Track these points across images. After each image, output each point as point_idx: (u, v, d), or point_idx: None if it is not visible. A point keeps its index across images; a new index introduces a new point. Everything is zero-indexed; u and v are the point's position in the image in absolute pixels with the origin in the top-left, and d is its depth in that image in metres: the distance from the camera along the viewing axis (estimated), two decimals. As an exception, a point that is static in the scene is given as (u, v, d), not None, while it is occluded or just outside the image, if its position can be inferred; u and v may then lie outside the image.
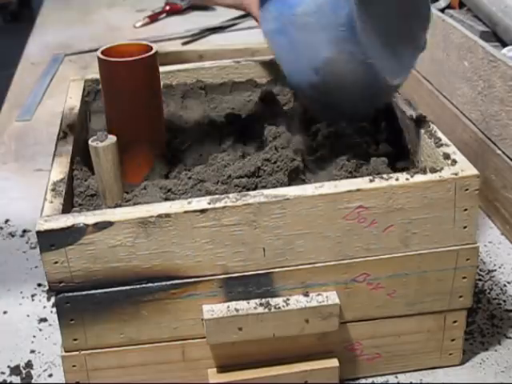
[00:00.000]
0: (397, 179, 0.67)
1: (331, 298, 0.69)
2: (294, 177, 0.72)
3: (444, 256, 0.70)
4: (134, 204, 0.69)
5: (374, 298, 0.71)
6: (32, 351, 0.82)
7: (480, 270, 0.92)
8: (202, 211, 0.64)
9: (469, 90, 1.05)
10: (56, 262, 0.65)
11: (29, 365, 0.79)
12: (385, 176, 0.67)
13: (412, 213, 0.67)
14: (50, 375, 0.78)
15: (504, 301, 0.86)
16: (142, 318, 0.68)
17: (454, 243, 0.69)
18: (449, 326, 0.74)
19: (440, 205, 0.67)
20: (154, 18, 1.91)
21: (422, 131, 0.76)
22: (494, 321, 0.83)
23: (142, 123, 0.74)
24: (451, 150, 0.72)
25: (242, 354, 0.71)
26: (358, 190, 0.66)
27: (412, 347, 0.75)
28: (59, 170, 0.73)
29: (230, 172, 0.71)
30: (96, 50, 0.74)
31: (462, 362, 0.77)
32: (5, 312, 0.88)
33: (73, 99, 0.89)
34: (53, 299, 0.87)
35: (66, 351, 0.69)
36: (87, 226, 0.64)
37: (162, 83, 0.77)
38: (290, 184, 0.70)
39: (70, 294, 0.66)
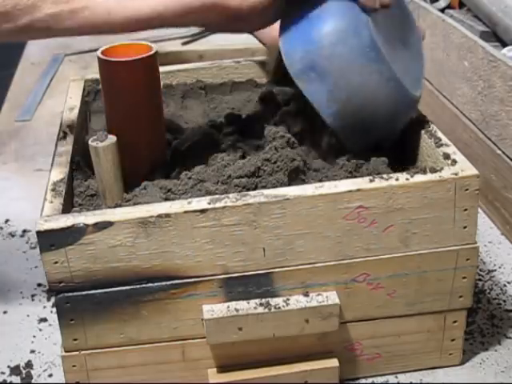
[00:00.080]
0: (397, 179, 0.67)
1: (331, 297, 0.69)
2: (294, 177, 0.72)
3: (444, 256, 0.70)
4: (134, 204, 0.69)
5: (373, 297, 0.71)
6: (32, 351, 0.82)
7: (480, 270, 0.92)
8: (202, 211, 0.64)
9: (469, 90, 1.05)
10: (56, 262, 0.65)
11: (29, 365, 0.79)
12: (385, 176, 0.67)
13: (412, 213, 0.67)
14: (50, 375, 0.78)
15: (504, 301, 0.86)
16: (141, 318, 0.68)
17: (453, 243, 0.69)
18: (449, 326, 0.74)
19: (440, 205, 0.67)
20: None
21: (422, 131, 0.76)
22: (494, 321, 0.83)
23: (142, 123, 0.74)
24: (451, 150, 0.72)
25: (242, 354, 0.71)
26: (358, 190, 0.66)
27: (412, 347, 0.75)
28: (59, 170, 0.73)
29: (230, 172, 0.71)
30: (96, 50, 0.74)
31: (462, 362, 0.77)
32: (5, 312, 0.88)
33: (73, 99, 0.89)
34: (53, 299, 0.87)
35: (66, 351, 0.69)
36: (87, 225, 0.64)
37: (162, 83, 0.77)
38: (290, 184, 0.70)
39: (70, 294, 0.66)
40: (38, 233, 0.64)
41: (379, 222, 0.67)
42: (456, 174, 0.67)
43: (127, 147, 0.73)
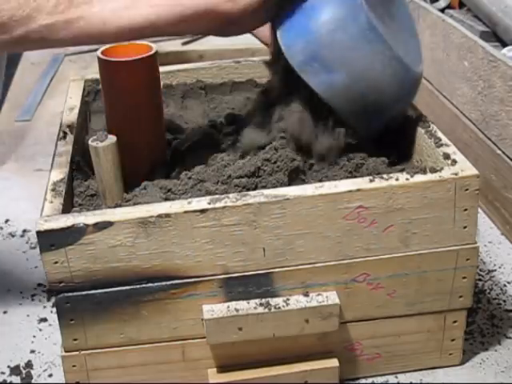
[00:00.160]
0: (397, 179, 0.67)
1: (331, 298, 0.69)
2: (294, 177, 0.72)
3: (444, 256, 0.70)
4: (134, 204, 0.69)
5: (373, 297, 0.71)
6: (32, 351, 0.82)
7: (480, 270, 0.92)
8: (202, 211, 0.64)
9: (469, 90, 1.05)
10: (56, 262, 0.65)
11: (29, 365, 0.79)
12: (385, 176, 0.67)
13: (412, 213, 0.67)
14: (50, 375, 0.78)
15: (504, 301, 0.86)
16: (141, 318, 0.68)
17: (454, 243, 0.69)
18: (449, 326, 0.74)
19: (440, 205, 0.67)
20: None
21: (422, 131, 0.76)
22: (494, 321, 0.83)
23: (142, 123, 0.74)
24: (451, 150, 0.72)
25: (242, 354, 0.71)
26: (358, 190, 0.66)
27: (412, 347, 0.75)
28: (59, 170, 0.73)
29: (230, 172, 0.71)
30: (96, 50, 0.74)
31: (462, 362, 0.77)
32: (5, 312, 0.88)
33: (73, 99, 0.89)
34: (53, 299, 0.87)
35: (66, 351, 0.69)
36: (87, 226, 0.64)
37: (162, 83, 0.77)
38: (290, 184, 0.70)
39: (70, 294, 0.66)
40: (38, 233, 0.64)
41: (379, 222, 0.67)
42: (456, 174, 0.67)
43: (127, 147, 0.73)
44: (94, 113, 0.92)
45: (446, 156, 0.70)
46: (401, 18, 0.78)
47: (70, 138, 0.79)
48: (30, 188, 1.14)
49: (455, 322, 0.74)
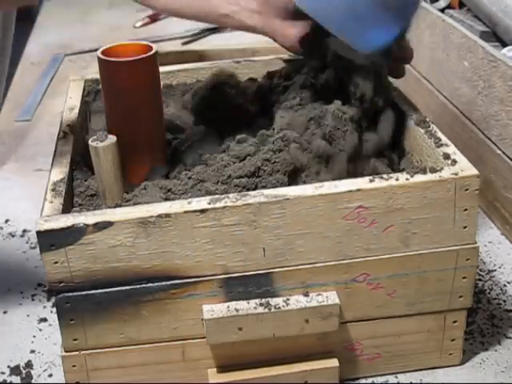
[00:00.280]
0: (397, 179, 0.67)
1: (331, 298, 0.69)
2: (294, 177, 0.72)
3: (444, 256, 0.70)
4: (134, 204, 0.69)
5: (374, 297, 0.71)
6: (32, 351, 0.82)
7: (480, 270, 0.92)
8: (202, 211, 0.64)
9: (469, 90, 1.05)
10: (56, 262, 0.65)
11: (29, 365, 0.79)
12: (385, 176, 0.67)
13: (412, 213, 0.67)
14: (50, 375, 0.78)
15: (504, 301, 0.86)
16: (141, 318, 0.68)
17: (454, 243, 0.69)
18: (449, 326, 0.74)
19: (440, 205, 0.67)
20: (154, 18, 1.91)
21: (422, 131, 0.76)
22: (494, 321, 0.83)
23: (142, 123, 0.74)
24: (451, 149, 0.72)
25: (242, 354, 0.71)
26: (358, 190, 0.66)
27: (412, 347, 0.75)
28: (59, 170, 0.73)
29: (230, 172, 0.71)
30: (96, 50, 0.74)
31: (462, 362, 0.77)
32: (5, 312, 0.88)
33: (73, 99, 0.89)
34: (53, 299, 0.87)
35: (66, 351, 0.69)
36: (87, 226, 0.64)
37: (162, 83, 0.77)
38: (289, 184, 0.70)
39: (70, 294, 0.66)
40: (38, 233, 0.64)
41: (379, 222, 0.67)
42: (456, 174, 0.67)
43: (127, 147, 0.73)
44: (94, 113, 0.92)
45: (446, 156, 0.70)
46: None
47: (70, 138, 0.79)
48: (30, 188, 1.14)
49: (455, 321, 0.74)
